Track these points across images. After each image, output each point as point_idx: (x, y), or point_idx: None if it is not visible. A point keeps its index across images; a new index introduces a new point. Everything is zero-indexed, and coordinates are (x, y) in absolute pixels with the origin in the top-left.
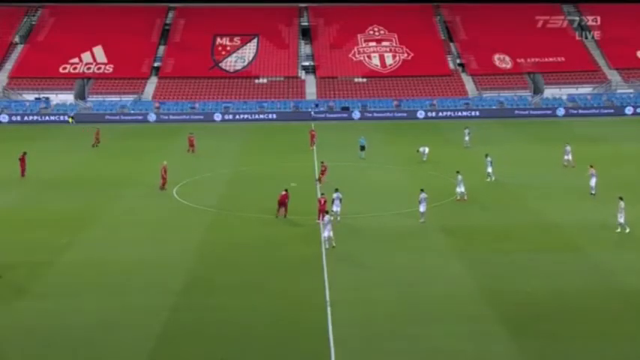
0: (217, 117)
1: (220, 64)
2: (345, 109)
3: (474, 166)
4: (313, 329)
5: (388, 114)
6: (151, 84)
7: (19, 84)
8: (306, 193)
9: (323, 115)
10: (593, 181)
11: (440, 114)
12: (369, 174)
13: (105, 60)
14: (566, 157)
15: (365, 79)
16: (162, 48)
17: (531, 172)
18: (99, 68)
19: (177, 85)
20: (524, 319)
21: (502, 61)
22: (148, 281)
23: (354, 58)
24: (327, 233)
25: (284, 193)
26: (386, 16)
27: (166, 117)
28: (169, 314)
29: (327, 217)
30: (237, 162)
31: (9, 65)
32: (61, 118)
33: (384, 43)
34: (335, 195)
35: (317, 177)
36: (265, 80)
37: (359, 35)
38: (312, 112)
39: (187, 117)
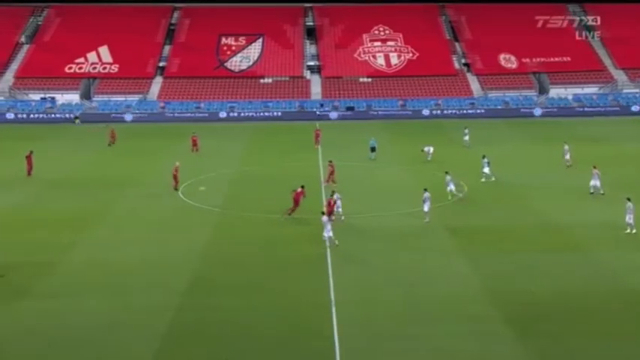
0: (222, 116)
1: (225, 64)
2: (350, 108)
3: (475, 166)
4: (318, 329)
5: (393, 113)
6: (157, 84)
7: (25, 84)
8: (311, 192)
9: (333, 115)
10: (597, 182)
11: (445, 114)
12: (374, 174)
13: (110, 60)
14: (567, 157)
15: (370, 79)
16: (167, 48)
17: (534, 172)
18: (104, 68)
19: (182, 84)
20: (529, 319)
21: (507, 60)
22: (152, 281)
23: (359, 57)
24: (326, 233)
25: (300, 190)
26: (391, 16)
27: (172, 115)
28: (173, 314)
29: (324, 218)
30: (241, 162)
31: (15, 65)
32: (67, 116)
33: (390, 43)
34: (335, 196)
35: (325, 178)
36: (270, 80)
37: (364, 35)
38: (317, 112)
39: (193, 115)
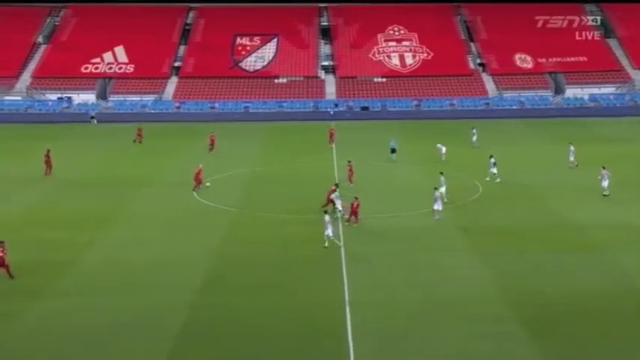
0: (237, 116)
1: (240, 64)
2: (365, 109)
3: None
4: (332, 329)
5: (408, 113)
6: (172, 84)
7: (42, 84)
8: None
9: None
10: (605, 183)
11: (460, 114)
12: (389, 174)
13: (126, 60)
14: (571, 158)
15: (385, 79)
16: (182, 48)
17: (548, 173)
18: (120, 68)
19: (197, 84)
20: (543, 320)
21: (523, 60)
22: (167, 280)
23: (373, 57)
24: (329, 232)
25: (333, 188)
26: (406, 16)
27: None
28: (188, 313)
29: (327, 217)
30: (256, 161)
31: (32, 65)
32: (84, 117)
33: (404, 43)
34: (334, 195)
35: (347, 178)
36: (285, 80)
37: (379, 35)
38: (331, 112)
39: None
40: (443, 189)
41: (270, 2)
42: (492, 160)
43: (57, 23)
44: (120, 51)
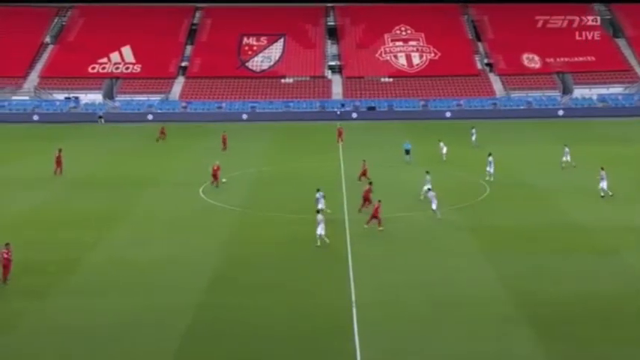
0: (243, 117)
1: (247, 64)
2: (372, 109)
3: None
4: (339, 329)
5: (415, 113)
6: (178, 84)
7: (50, 83)
8: (333, 192)
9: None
10: (604, 184)
11: (467, 114)
12: (395, 174)
13: (133, 60)
14: (564, 159)
15: (391, 79)
16: (189, 48)
17: (555, 173)
18: (127, 68)
19: (204, 84)
20: (551, 322)
21: (531, 60)
22: (174, 280)
23: (380, 57)
24: (319, 231)
25: (368, 187)
26: (413, 16)
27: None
28: (194, 313)
29: (319, 216)
30: (263, 161)
31: (40, 65)
32: (91, 117)
33: (411, 43)
34: (318, 195)
35: (361, 175)
36: (291, 80)
37: (386, 35)
38: (338, 112)
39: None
40: (426, 187)
41: (276, 2)
42: (490, 158)
43: (64, 23)
44: (127, 51)
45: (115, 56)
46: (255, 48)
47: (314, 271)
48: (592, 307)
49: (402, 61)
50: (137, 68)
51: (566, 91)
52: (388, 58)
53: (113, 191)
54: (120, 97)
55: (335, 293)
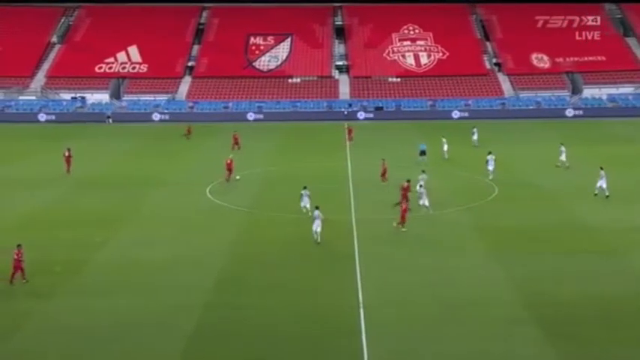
0: (250, 116)
1: (254, 64)
2: (379, 109)
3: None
4: (346, 329)
5: (423, 114)
6: (185, 83)
7: (57, 83)
8: (339, 192)
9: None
10: (603, 183)
11: (475, 114)
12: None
13: (139, 59)
14: (560, 158)
15: (399, 79)
16: (196, 47)
17: (564, 173)
18: (134, 68)
19: (210, 84)
20: (559, 323)
21: (540, 60)
22: (180, 280)
23: (388, 57)
24: (315, 227)
25: (406, 184)
26: (421, 15)
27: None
28: (201, 313)
29: (316, 212)
30: (270, 161)
31: (47, 65)
32: (97, 116)
33: (419, 42)
34: (303, 192)
35: (382, 175)
36: (299, 80)
37: (393, 34)
38: (345, 112)
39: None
40: (418, 185)
41: (284, 2)
42: (490, 157)
43: (71, 23)
44: (133, 51)
45: (121, 56)
46: (262, 48)
47: (321, 271)
48: (598, 307)
49: (410, 60)
50: (144, 68)
51: (576, 91)
52: (396, 57)
53: (120, 191)
54: (126, 97)
55: (342, 293)
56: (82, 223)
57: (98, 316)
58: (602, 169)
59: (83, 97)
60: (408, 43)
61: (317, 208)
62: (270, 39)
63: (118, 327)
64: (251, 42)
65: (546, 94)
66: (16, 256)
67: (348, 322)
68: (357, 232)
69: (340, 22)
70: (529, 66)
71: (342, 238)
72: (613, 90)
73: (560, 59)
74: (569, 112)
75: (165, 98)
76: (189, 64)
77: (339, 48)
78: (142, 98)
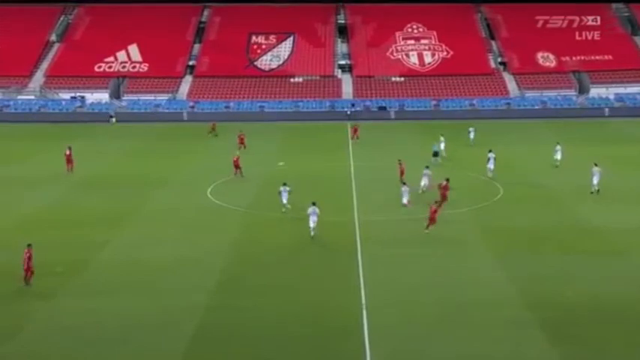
0: (252, 116)
1: (255, 63)
2: (382, 108)
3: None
4: (348, 331)
5: (426, 113)
6: (186, 83)
7: (56, 83)
8: (341, 192)
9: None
10: (595, 179)
11: (480, 114)
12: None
13: (140, 59)
14: (555, 157)
15: (403, 78)
16: (197, 46)
17: (570, 174)
18: (134, 67)
19: (211, 84)
20: (564, 325)
21: (546, 59)
22: (182, 281)
23: (391, 56)
24: (312, 224)
25: (445, 183)
26: (425, 14)
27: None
28: (203, 314)
29: (310, 209)
30: (271, 162)
31: (45, 64)
32: (97, 116)
33: (423, 41)
34: (282, 188)
35: (400, 179)
36: (301, 79)
37: (397, 33)
38: (348, 112)
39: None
40: (424, 182)
41: (286, 0)
42: (490, 155)
43: (70, 21)
44: (133, 50)
45: (121, 55)
46: (264, 47)
47: (323, 272)
48: (606, 310)
49: (414, 59)
50: (144, 67)
51: (583, 90)
52: (399, 56)
53: (120, 191)
54: (127, 97)
55: (345, 295)
56: (83, 223)
57: (99, 317)
58: (596, 165)
59: (83, 97)
60: (412, 42)
61: (314, 204)
62: (272, 38)
63: (119, 328)
64: (253, 41)
65: (552, 93)
66: (26, 256)
67: (351, 323)
68: (359, 232)
69: (343, 21)
70: (535, 65)
71: (345, 238)
72: (621, 89)
73: (567, 58)
74: (576, 112)
75: (166, 98)
76: (190, 63)
77: (341, 47)
78: (142, 98)
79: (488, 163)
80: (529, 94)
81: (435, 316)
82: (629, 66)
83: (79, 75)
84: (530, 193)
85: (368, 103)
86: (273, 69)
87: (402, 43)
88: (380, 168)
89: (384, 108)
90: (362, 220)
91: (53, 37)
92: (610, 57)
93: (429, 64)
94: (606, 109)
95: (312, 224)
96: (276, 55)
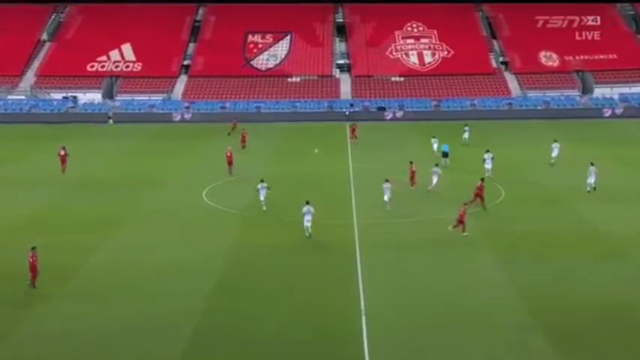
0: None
1: (252, 63)
2: (382, 109)
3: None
4: (347, 336)
5: (427, 114)
6: (181, 83)
7: (47, 82)
8: (340, 194)
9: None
10: (591, 179)
11: (481, 114)
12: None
13: (133, 58)
14: (552, 155)
15: (402, 78)
16: (192, 46)
17: (573, 176)
18: (127, 66)
19: (207, 84)
20: (569, 331)
21: (548, 58)
22: (177, 285)
23: (391, 55)
24: (307, 223)
25: (480, 183)
26: (425, 12)
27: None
28: (198, 319)
29: (305, 208)
30: (268, 163)
31: (37, 63)
32: (90, 116)
33: (423, 40)
34: (260, 185)
35: (411, 181)
36: (298, 79)
37: (396, 32)
38: (347, 112)
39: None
40: (434, 181)
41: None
42: (487, 155)
43: (62, 20)
44: (127, 49)
45: (114, 54)
46: (260, 46)
47: (321, 276)
48: (612, 316)
49: (414, 59)
50: (138, 67)
51: (586, 90)
52: (399, 56)
53: (115, 193)
54: (120, 97)
55: (344, 299)
56: (77, 225)
57: (92, 322)
58: (592, 164)
59: (75, 97)
60: (412, 41)
61: (307, 203)
62: (269, 37)
63: (113, 332)
64: (249, 40)
65: (555, 93)
66: (31, 259)
67: (350, 328)
68: (358, 236)
69: (341, 20)
70: (537, 65)
71: (344, 242)
72: (625, 89)
73: (570, 57)
74: (579, 113)
75: (161, 98)
76: (185, 62)
77: (340, 46)
78: (136, 98)
79: (485, 163)
80: (531, 94)
81: (436, 321)
82: (634, 65)
83: (71, 75)
84: (533, 195)
85: (367, 103)
86: (269, 69)
87: (402, 42)
88: (379, 170)
89: (384, 108)
90: (361, 223)
91: (44, 36)
92: (614, 56)
93: (429, 63)
94: (610, 110)
95: (307, 224)
96: (272, 54)
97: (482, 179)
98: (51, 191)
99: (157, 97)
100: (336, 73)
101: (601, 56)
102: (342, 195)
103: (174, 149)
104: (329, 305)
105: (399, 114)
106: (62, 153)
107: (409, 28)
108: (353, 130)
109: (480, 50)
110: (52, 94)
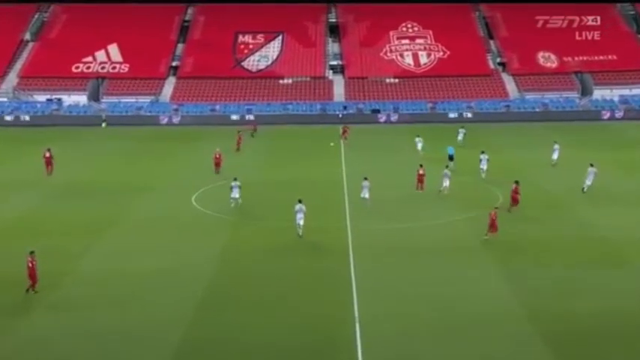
0: (237, 118)
1: (242, 64)
2: (376, 111)
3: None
4: (340, 345)
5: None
6: (169, 84)
7: (30, 84)
8: (333, 199)
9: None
10: (590, 179)
11: (478, 116)
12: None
13: (120, 59)
14: (552, 157)
15: (397, 80)
16: (181, 46)
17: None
18: (114, 68)
19: (196, 85)
20: (569, 340)
21: (547, 59)
22: (165, 293)
23: (385, 56)
24: (298, 221)
25: (515, 186)
26: (420, 12)
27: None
28: (187, 328)
29: (297, 206)
30: (259, 167)
31: (19, 64)
32: (75, 119)
33: (419, 41)
34: (233, 183)
35: (419, 186)
36: (290, 81)
37: (391, 32)
38: (340, 114)
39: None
40: (446, 183)
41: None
42: (483, 156)
43: (45, 19)
44: (114, 49)
45: (100, 55)
46: (251, 46)
47: (314, 282)
48: (613, 324)
49: (409, 60)
50: (125, 68)
51: (586, 92)
52: (394, 57)
53: (102, 198)
54: (106, 99)
55: (337, 306)
56: (62, 231)
57: (80, 331)
58: (592, 165)
59: (59, 99)
60: (407, 41)
61: (300, 201)
62: (260, 37)
63: (98, 343)
64: (239, 40)
65: (554, 95)
66: (30, 264)
67: (343, 336)
68: (352, 241)
69: (334, 20)
70: (535, 66)
71: (337, 247)
72: (625, 91)
73: (569, 58)
74: (578, 115)
75: (149, 100)
76: (174, 63)
77: (333, 47)
78: (123, 100)
79: (481, 164)
80: (529, 95)
81: (432, 329)
82: (634, 66)
83: (55, 76)
84: (532, 199)
85: (361, 105)
86: (261, 70)
87: (397, 42)
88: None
89: (378, 111)
90: (354, 228)
91: (27, 36)
92: (614, 57)
93: (425, 64)
94: (610, 112)
95: (299, 221)
96: (264, 55)
97: (517, 182)
98: (36, 195)
99: (145, 99)
100: (329, 74)
101: (601, 57)
102: (335, 199)
103: (163, 153)
104: (322, 312)
105: (394, 117)
106: (47, 155)
107: (404, 29)
108: (344, 131)
109: (477, 51)
110: (35, 96)
